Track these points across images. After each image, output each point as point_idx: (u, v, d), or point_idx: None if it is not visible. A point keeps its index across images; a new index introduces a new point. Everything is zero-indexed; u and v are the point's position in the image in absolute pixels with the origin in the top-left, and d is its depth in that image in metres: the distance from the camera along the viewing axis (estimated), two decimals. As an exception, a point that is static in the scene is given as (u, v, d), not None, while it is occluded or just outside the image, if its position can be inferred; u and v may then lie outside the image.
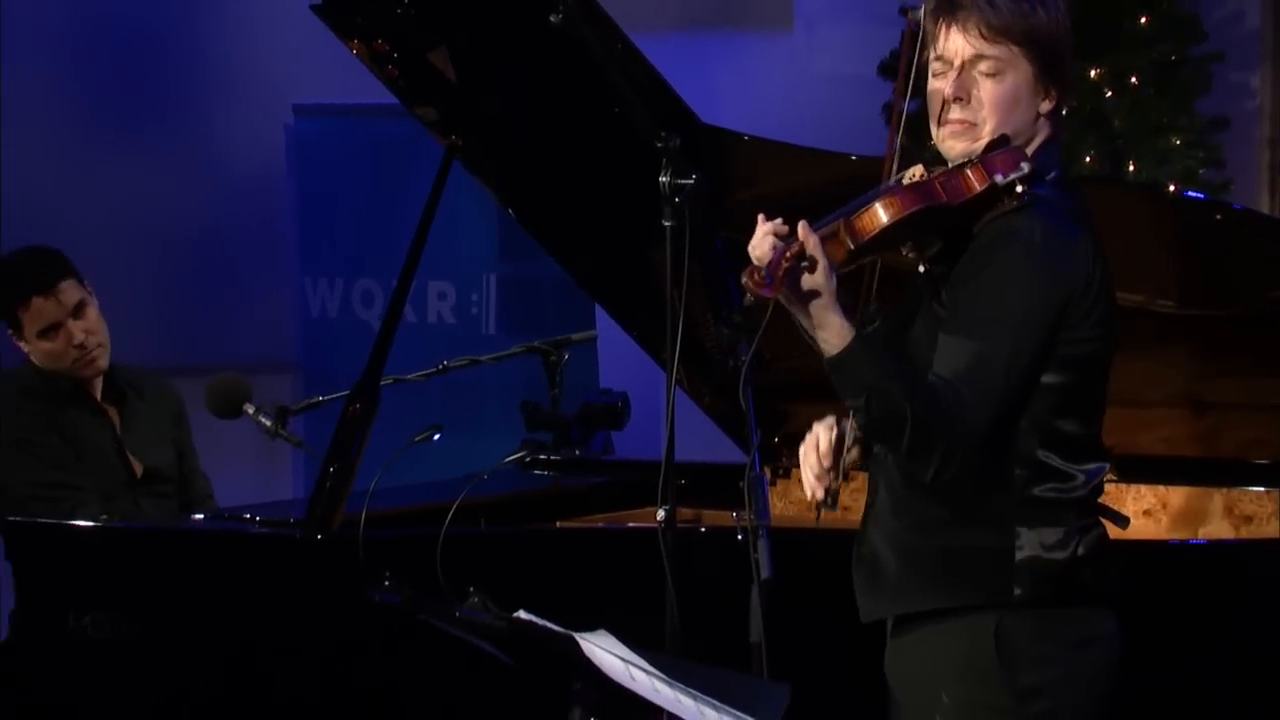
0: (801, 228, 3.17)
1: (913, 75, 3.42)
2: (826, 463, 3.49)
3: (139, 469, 5.17)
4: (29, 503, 4.95)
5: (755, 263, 3.17)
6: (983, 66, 3.32)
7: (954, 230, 3.32)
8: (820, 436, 3.50)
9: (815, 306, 3.17)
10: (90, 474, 5.09)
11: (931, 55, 3.39)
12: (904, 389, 3.17)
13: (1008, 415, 3.24)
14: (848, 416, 3.42)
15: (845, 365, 3.19)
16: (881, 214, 3.21)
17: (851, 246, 3.21)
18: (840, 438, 3.50)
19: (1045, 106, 3.36)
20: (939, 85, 3.36)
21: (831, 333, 3.19)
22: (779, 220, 3.22)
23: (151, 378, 5.35)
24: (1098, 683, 3.35)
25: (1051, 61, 3.35)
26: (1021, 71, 3.32)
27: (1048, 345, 3.25)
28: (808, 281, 3.16)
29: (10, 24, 6.65)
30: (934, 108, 3.38)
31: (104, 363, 5.16)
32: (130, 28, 6.80)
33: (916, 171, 3.32)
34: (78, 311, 5.12)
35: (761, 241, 3.20)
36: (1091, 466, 3.35)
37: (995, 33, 3.30)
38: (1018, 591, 3.29)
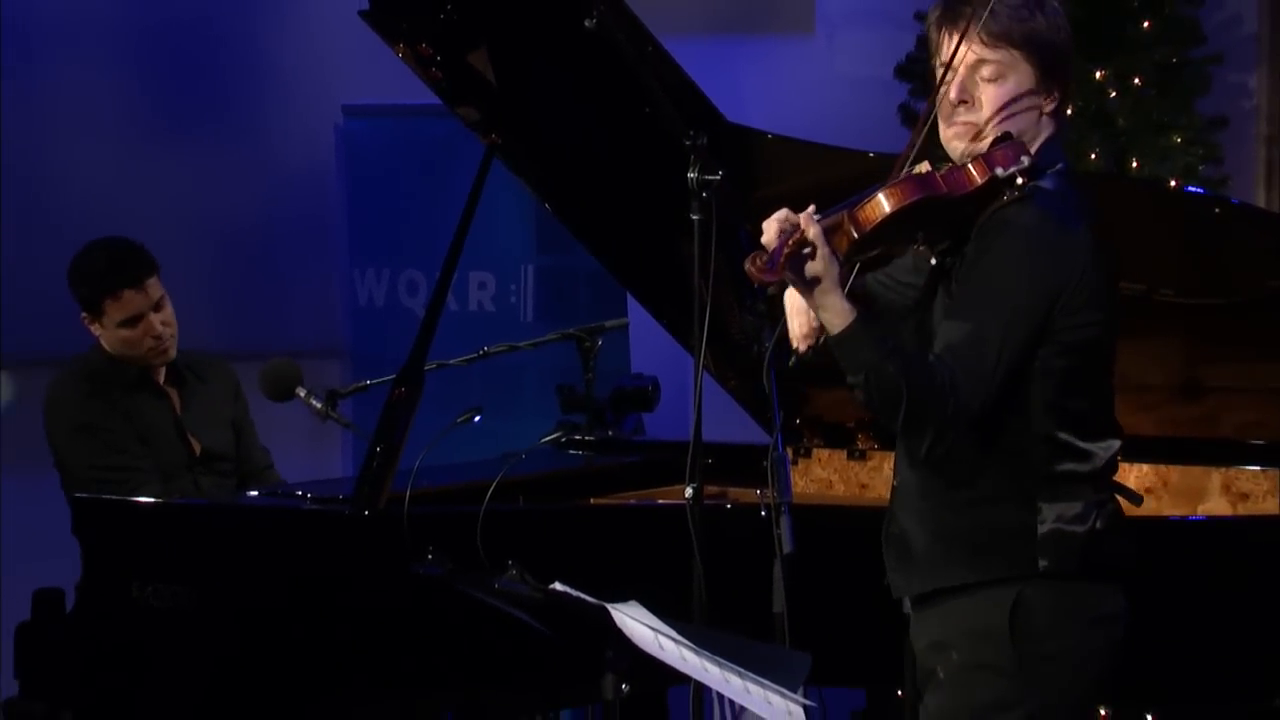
0: (803, 217, 3.17)
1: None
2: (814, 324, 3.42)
3: (197, 448, 5.18)
4: (92, 484, 4.96)
5: (763, 249, 3.17)
6: (984, 71, 3.32)
7: (962, 223, 3.31)
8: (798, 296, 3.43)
9: (817, 291, 3.18)
10: (151, 455, 5.10)
11: (937, 63, 3.38)
12: (900, 367, 3.17)
13: (1001, 396, 3.23)
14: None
15: (846, 344, 3.20)
16: (884, 204, 3.21)
17: (855, 236, 3.21)
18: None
19: (1048, 105, 3.35)
20: (944, 89, 3.35)
21: (833, 314, 3.19)
22: (787, 210, 3.21)
23: (210, 360, 5.36)
24: (1101, 660, 3.34)
25: (1052, 63, 3.34)
26: (1023, 74, 3.32)
27: (1043, 330, 3.24)
28: (810, 268, 3.16)
29: (82, 32, 6.67)
30: (942, 111, 3.37)
31: (174, 352, 5.17)
32: (192, 36, 6.82)
33: (922, 167, 3.31)
34: (159, 305, 5.13)
35: (769, 229, 3.20)
36: (1105, 443, 3.35)
37: (994, 38, 3.29)
38: (1043, 563, 3.28)
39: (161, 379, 5.21)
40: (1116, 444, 3.38)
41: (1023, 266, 3.24)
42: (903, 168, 3.31)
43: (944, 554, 3.35)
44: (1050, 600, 3.29)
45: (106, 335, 5.15)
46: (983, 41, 3.29)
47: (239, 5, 6.91)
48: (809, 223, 3.16)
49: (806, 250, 3.15)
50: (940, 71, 3.35)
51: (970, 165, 3.27)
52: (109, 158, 6.70)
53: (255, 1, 6.95)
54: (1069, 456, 3.31)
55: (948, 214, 3.29)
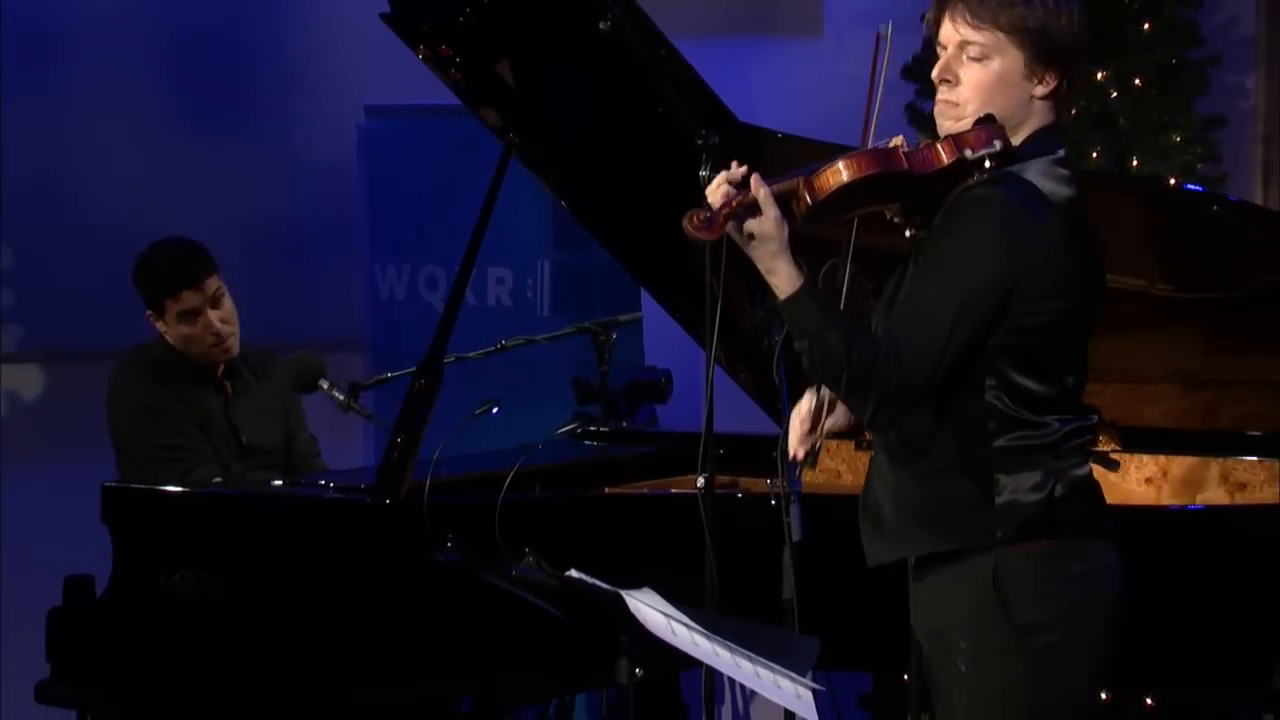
0: (754, 178, 3.18)
1: (881, 81, 3.40)
2: (806, 426, 3.51)
3: (243, 441, 5.19)
4: (150, 463, 5.00)
5: (705, 207, 3.17)
6: (970, 51, 3.31)
7: (932, 200, 3.29)
8: (802, 401, 3.53)
9: (763, 252, 3.19)
10: (208, 442, 5.11)
11: (937, 46, 3.37)
12: (842, 337, 3.17)
13: (950, 373, 3.22)
14: None
15: (791, 308, 3.21)
16: (842, 172, 3.20)
17: (809, 201, 3.20)
18: (820, 404, 3.52)
19: (1040, 90, 3.31)
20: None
21: (780, 279, 3.21)
22: (737, 166, 3.23)
23: (269, 355, 5.37)
24: (1101, 613, 3.31)
25: (1045, 49, 3.30)
26: (1010, 57, 3.29)
27: (997, 312, 3.22)
28: (754, 227, 3.17)
29: (112, 35, 6.67)
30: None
31: (236, 349, 5.18)
32: (219, 40, 6.82)
33: (895, 141, 3.30)
34: (215, 301, 5.14)
35: (715, 190, 3.20)
36: (1066, 416, 3.32)
37: (980, 20, 3.28)
38: (999, 534, 3.27)
39: (219, 373, 5.22)
40: (1087, 419, 3.36)
41: (982, 249, 3.22)
42: (865, 136, 3.31)
43: (908, 524, 3.36)
44: (1027, 567, 3.27)
45: (170, 331, 5.16)
46: (968, 23, 3.29)
47: (265, 10, 6.92)
48: (759, 184, 3.17)
49: (752, 212, 3.16)
50: (939, 52, 3.35)
51: (939, 145, 3.25)
52: (141, 156, 6.71)
53: (280, 6, 6.95)
54: (1022, 428, 3.28)
55: (913, 190, 3.27)
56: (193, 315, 5.12)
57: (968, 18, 3.29)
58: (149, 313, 5.19)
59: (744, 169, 3.23)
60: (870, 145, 3.28)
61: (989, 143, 3.23)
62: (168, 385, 5.15)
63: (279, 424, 5.30)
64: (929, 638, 3.42)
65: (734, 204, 3.14)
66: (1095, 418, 3.38)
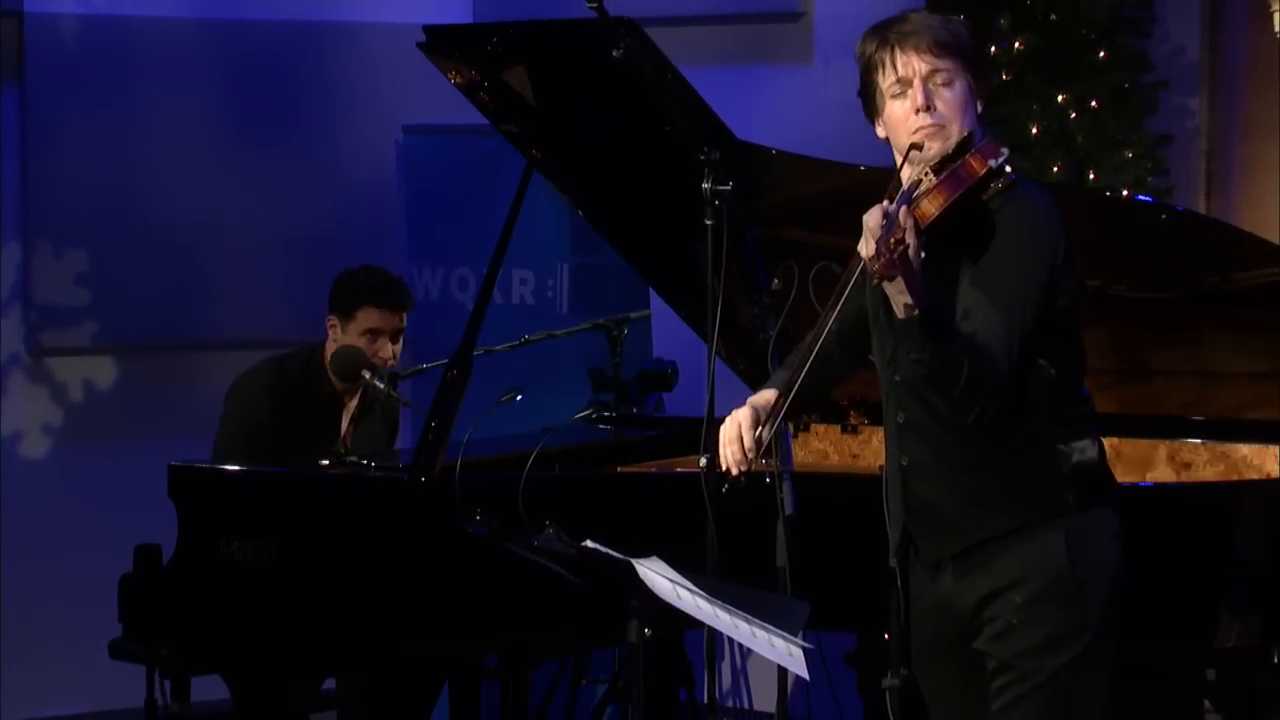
0: (902, 212, 3.07)
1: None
2: (749, 441, 3.37)
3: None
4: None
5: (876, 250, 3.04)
6: (938, 78, 3.28)
7: (964, 208, 3.25)
8: (744, 432, 3.38)
9: (910, 275, 3.07)
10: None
11: (887, 82, 3.30)
12: (967, 348, 3.13)
13: (1023, 359, 3.19)
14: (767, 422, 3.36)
15: (920, 326, 3.10)
16: (939, 199, 3.18)
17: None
18: (760, 414, 3.40)
19: (981, 105, 3.34)
20: (899, 104, 3.29)
21: (914, 296, 3.09)
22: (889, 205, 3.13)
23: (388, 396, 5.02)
24: (1119, 570, 3.31)
25: (982, 69, 3.36)
26: (965, 80, 3.30)
27: (1050, 292, 3.22)
28: (909, 255, 3.06)
29: (177, 64, 6.67)
30: (899, 124, 3.30)
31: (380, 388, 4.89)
32: (271, 66, 6.81)
33: (913, 172, 3.26)
34: (396, 336, 5.02)
35: (875, 222, 3.07)
36: (1084, 387, 3.34)
37: (943, 49, 3.27)
38: (1071, 499, 3.25)
39: (351, 410, 5.07)
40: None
41: (1037, 250, 3.23)
42: (897, 177, 3.27)
43: (979, 511, 3.28)
44: (1088, 525, 3.26)
45: (344, 340, 4.99)
46: (933, 52, 3.27)
47: (312, 41, 6.90)
48: (907, 219, 3.06)
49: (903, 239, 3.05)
50: (895, 88, 3.30)
51: (969, 159, 3.23)
52: (202, 170, 6.70)
53: (326, 37, 6.93)
54: (1069, 400, 3.28)
55: (961, 204, 3.24)
56: (376, 335, 4.98)
57: (933, 48, 3.27)
58: (332, 318, 5.02)
59: (888, 205, 3.12)
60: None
61: (998, 152, 3.26)
62: (288, 410, 4.98)
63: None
64: (976, 605, 3.29)
65: (898, 239, 3.04)
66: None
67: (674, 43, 4.56)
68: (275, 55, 6.83)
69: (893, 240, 3.02)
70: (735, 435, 3.36)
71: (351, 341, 4.99)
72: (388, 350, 5.01)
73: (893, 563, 3.44)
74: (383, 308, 5.00)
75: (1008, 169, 3.25)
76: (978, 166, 3.23)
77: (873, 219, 3.07)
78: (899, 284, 3.07)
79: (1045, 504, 3.25)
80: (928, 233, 3.16)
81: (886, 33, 3.31)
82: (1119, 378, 4.68)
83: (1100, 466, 3.30)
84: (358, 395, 5.10)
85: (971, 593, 3.30)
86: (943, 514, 3.32)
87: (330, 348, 5.05)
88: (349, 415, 5.12)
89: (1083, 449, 3.27)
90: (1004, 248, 3.23)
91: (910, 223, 3.06)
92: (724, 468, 3.40)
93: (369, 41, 6.93)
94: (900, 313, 3.11)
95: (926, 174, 3.23)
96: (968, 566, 3.30)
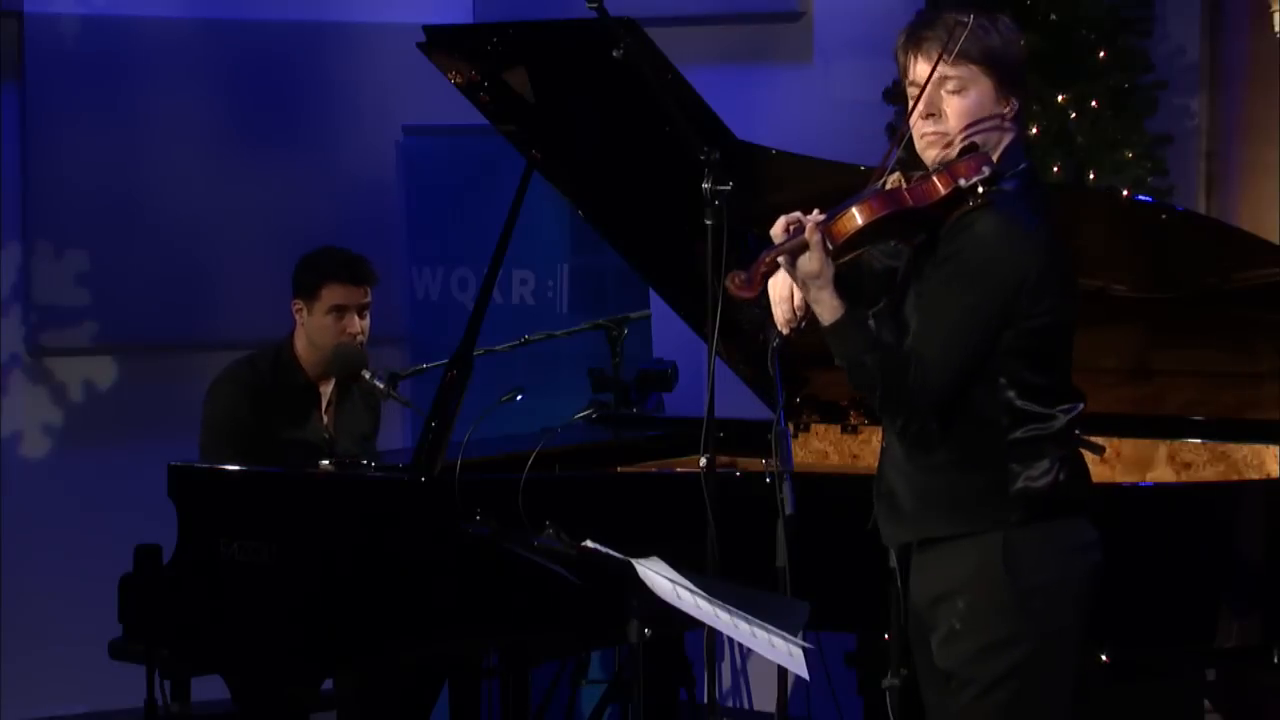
0: (808, 223, 3.16)
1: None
2: (800, 313, 3.35)
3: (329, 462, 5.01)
4: None
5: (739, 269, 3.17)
6: (948, 85, 3.28)
7: (933, 224, 3.27)
8: (796, 291, 3.34)
9: (811, 286, 3.18)
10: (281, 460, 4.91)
11: (907, 83, 3.34)
12: (879, 360, 3.18)
13: (968, 380, 3.21)
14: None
15: (834, 335, 3.21)
16: (857, 217, 3.19)
17: (830, 246, 3.18)
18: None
19: (1009, 112, 3.31)
20: (912, 108, 3.31)
21: (824, 309, 3.19)
22: (799, 214, 3.21)
23: (369, 389, 5.03)
24: (1085, 583, 3.31)
25: (1009, 74, 3.30)
26: (983, 86, 3.28)
27: (1005, 319, 3.21)
28: (803, 265, 3.15)
29: (178, 64, 6.67)
30: (916, 125, 3.32)
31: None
32: (272, 66, 6.81)
33: (894, 179, 3.28)
34: (363, 311, 5.01)
35: (778, 229, 3.20)
36: (1066, 406, 3.31)
37: (957, 56, 3.25)
38: (1013, 518, 3.26)
39: (327, 396, 5.07)
40: (1079, 406, 3.34)
41: (987, 265, 3.21)
42: (880, 179, 3.28)
43: (926, 510, 3.33)
44: (1033, 539, 3.26)
45: (311, 322, 5.00)
46: (944, 59, 3.25)
47: (314, 42, 6.91)
48: (813, 230, 3.14)
49: (797, 251, 3.15)
50: (911, 90, 3.32)
51: (935, 177, 3.23)
52: (203, 171, 6.71)
53: (327, 38, 6.94)
54: (1032, 421, 3.27)
55: (916, 219, 3.26)
56: (342, 312, 4.97)
57: (945, 54, 3.24)
58: (297, 302, 5.02)
59: (797, 215, 3.20)
60: (882, 184, 3.26)
61: (979, 169, 3.22)
62: (266, 406, 4.97)
63: (362, 442, 5.16)
64: (929, 605, 3.36)
65: (777, 254, 3.14)
66: (1083, 404, 3.36)
67: (674, 43, 4.56)
68: (275, 55, 6.83)
69: (767, 259, 3.08)
70: (787, 294, 3.36)
71: (319, 322, 4.98)
72: (355, 325, 5.00)
73: (893, 563, 3.45)
74: (345, 283, 4.99)
75: (980, 189, 3.21)
76: (941, 185, 3.22)
77: (778, 226, 3.14)
78: (815, 292, 3.16)
79: (987, 518, 3.27)
80: (853, 246, 3.20)
81: (908, 33, 3.33)
82: (1119, 378, 4.69)
83: (1060, 485, 3.28)
84: (332, 382, 5.09)
85: (926, 591, 3.36)
86: (896, 504, 3.36)
87: (299, 335, 5.05)
88: (326, 402, 5.11)
89: (1039, 470, 3.26)
90: (955, 270, 3.23)
91: (817, 238, 3.12)
92: (779, 328, 3.39)
93: (369, 41, 6.93)
94: (821, 320, 3.21)
95: (899, 182, 3.24)
96: (922, 562, 3.36)
